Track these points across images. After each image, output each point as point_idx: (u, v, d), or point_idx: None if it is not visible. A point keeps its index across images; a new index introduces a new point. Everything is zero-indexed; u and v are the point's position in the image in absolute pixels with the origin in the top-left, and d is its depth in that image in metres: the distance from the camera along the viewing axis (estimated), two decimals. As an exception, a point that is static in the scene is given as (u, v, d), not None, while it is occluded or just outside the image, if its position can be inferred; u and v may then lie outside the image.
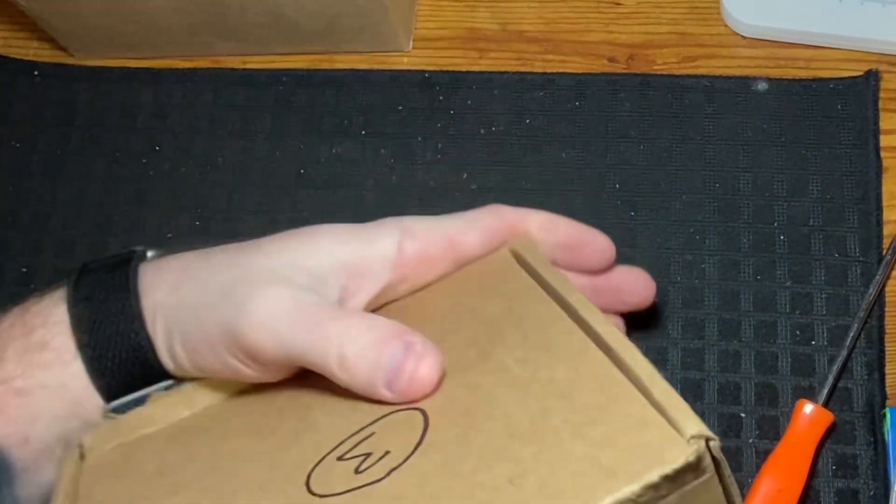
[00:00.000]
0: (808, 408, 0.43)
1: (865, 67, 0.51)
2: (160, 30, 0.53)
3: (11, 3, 0.52)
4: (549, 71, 0.52)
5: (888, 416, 0.43)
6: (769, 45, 0.52)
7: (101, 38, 0.54)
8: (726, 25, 0.53)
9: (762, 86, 0.51)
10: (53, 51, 0.56)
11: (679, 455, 0.26)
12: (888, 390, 0.45)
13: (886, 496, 0.42)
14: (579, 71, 0.52)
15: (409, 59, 0.54)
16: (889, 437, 0.43)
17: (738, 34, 0.52)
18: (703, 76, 0.51)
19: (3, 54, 0.56)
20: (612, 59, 0.53)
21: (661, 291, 0.47)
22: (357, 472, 0.30)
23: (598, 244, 0.40)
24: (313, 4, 0.50)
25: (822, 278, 0.47)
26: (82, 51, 0.55)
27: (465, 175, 0.51)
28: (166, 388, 0.37)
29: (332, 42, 0.53)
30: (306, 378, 0.35)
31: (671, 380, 0.45)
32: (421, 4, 0.55)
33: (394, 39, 0.53)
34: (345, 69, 0.54)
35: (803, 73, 0.51)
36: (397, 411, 0.32)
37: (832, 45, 0.51)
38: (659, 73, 0.52)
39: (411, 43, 0.54)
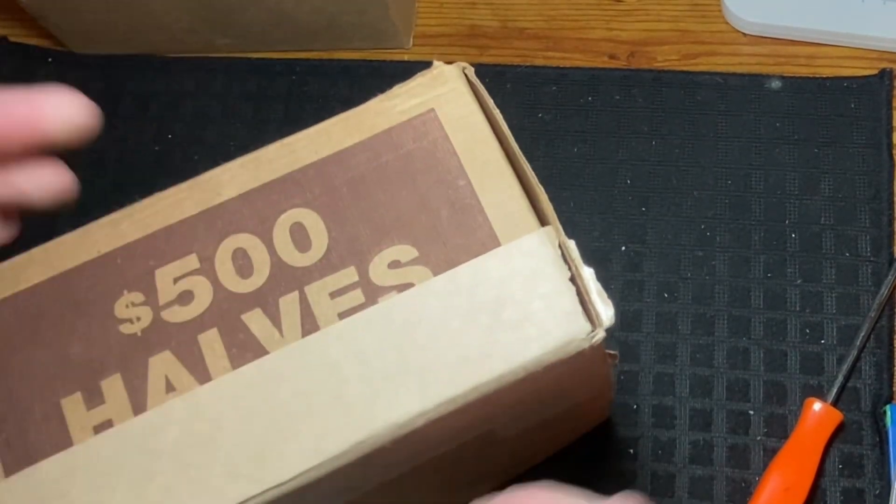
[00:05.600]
0: (816, 406, 0.43)
1: (866, 65, 0.51)
2: (160, 26, 0.53)
3: (11, 0, 0.52)
4: (561, 66, 0.52)
5: (888, 412, 0.43)
6: (770, 43, 0.52)
7: (100, 35, 0.54)
8: (727, 23, 0.53)
9: (776, 84, 0.51)
10: (52, 47, 0.56)
11: None
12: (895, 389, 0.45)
13: (888, 493, 0.42)
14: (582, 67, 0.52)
15: (409, 57, 0.54)
16: (890, 434, 0.43)
17: (738, 31, 0.52)
18: (716, 73, 0.51)
19: (15, 41, 0.56)
20: (612, 56, 0.53)
21: (671, 287, 0.47)
22: None
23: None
24: (314, 1, 0.50)
25: (833, 277, 0.47)
26: (81, 47, 0.55)
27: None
28: None
29: (333, 39, 0.53)
30: None
31: (680, 375, 0.45)
32: (421, 2, 0.55)
33: (394, 37, 0.53)
34: (358, 59, 0.54)
35: (804, 71, 0.51)
36: None
37: (833, 42, 0.51)
38: (669, 69, 0.52)
39: (412, 40, 0.54)
